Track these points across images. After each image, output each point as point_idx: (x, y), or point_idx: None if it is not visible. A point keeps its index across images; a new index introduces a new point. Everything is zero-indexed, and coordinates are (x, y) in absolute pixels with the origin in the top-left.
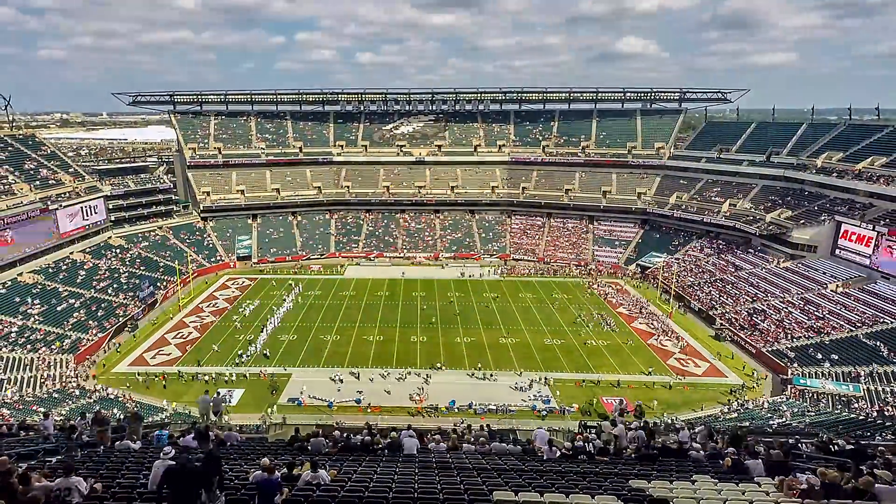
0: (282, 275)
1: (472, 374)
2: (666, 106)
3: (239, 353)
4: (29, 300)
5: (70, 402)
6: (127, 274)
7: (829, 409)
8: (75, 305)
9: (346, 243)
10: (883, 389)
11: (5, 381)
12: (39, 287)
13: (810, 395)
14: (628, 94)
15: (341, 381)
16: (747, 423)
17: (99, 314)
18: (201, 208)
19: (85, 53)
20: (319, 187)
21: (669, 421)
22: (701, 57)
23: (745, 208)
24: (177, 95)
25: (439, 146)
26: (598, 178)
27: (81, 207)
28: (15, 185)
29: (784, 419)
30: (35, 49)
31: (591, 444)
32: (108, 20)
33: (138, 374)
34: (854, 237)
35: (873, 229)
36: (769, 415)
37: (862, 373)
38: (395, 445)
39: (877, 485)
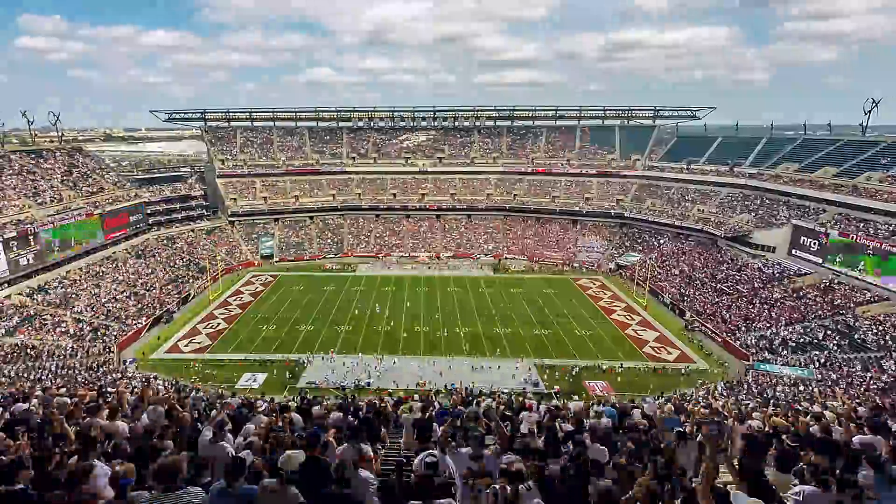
0: (300, 272)
1: (470, 361)
2: (642, 122)
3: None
4: (77, 295)
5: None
6: (164, 271)
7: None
8: (117, 299)
9: (357, 244)
10: (830, 374)
11: (60, 367)
12: (86, 283)
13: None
14: (608, 112)
15: (353, 364)
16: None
17: (139, 307)
18: (229, 213)
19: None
20: (334, 194)
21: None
22: None
23: (712, 213)
24: (207, 113)
25: (440, 158)
26: (581, 186)
27: (123, 212)
28: (64, 193)
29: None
30: None
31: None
32: None
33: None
34: (808, 239)
35: (825, 231)
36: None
37: (815, 359)
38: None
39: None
